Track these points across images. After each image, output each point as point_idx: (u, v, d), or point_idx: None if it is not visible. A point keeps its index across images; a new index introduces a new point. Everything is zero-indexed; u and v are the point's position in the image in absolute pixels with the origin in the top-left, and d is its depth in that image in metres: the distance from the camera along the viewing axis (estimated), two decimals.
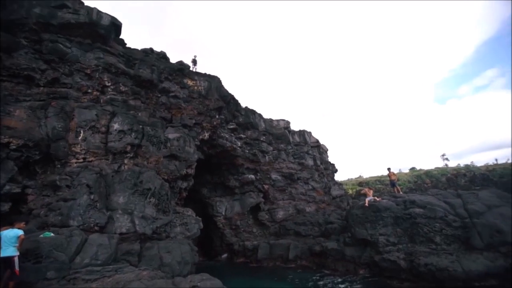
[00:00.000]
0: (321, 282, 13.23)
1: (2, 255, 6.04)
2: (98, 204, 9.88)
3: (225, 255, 20.79)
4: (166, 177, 13.18)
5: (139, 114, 13.72)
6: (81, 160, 11.08)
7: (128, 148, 12.19)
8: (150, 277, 7.79)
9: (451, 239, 12.75)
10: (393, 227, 13.87)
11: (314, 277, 13.99)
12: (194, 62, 19.89)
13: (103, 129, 11.95)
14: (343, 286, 12.85)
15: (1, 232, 6.32)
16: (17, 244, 6.27)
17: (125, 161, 12.11)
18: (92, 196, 9.81)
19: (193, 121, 16.26)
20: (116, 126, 12.16)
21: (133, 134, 12.46)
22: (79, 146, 11.16)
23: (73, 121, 11.29)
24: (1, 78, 10.16)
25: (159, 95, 15.44)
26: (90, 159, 11.28)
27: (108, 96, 13.00)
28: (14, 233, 6.34)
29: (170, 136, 14.19)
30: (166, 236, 11.53)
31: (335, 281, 13.43)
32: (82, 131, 11.38)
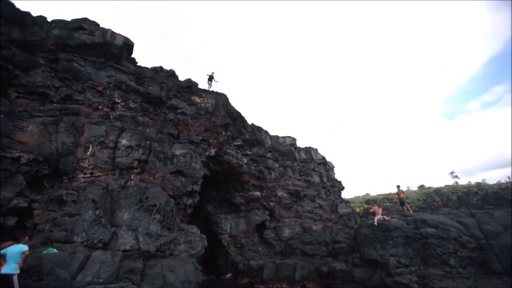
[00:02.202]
0: None
1: (2, 272, 5.91)
2: (102, 220, 9.82)
3: (229, 275, 20.14)
4: (171, 193, 13.12)
5: (147, 130, 13.94)
6: (88, 175, 11.17)
7: (135, 163, 12.28)
8: None
9: (466, 261, 12.15)
10: (404, 248, 13.34)
11: None
12: (211, 78, 20.41)
13: (111, 144, 12.12)
14: None
15: (7, 248, 6.24)
16: (19, 261, 6.14)
17: (132, 176, 12.16)
18: (97, 212, 9.77)
19: (200, 138, 16.40)
20: (124, 141, 12.34)
21: (141, 150, 12.59)
22: (87, 161, 11.29)
23: (82, 137, 11.51)
24: (17, 95, 10.53)
25: (167, 112, 15.73)
26: (97, 174, 11.36)
27: (118, 112, 13.30)
28: (18, 249, 6.23)
29: (177, 152, 14.28)
30: (170, 254, 11.28)
31: None
32: (91, 146, 11.56)
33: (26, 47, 11.20)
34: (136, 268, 9.41)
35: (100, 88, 12.93)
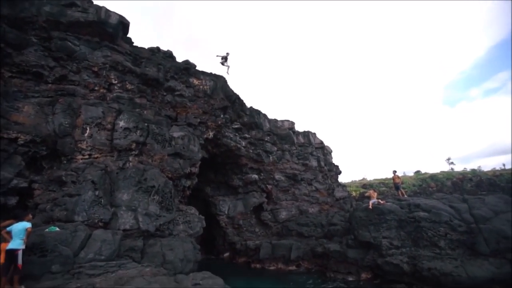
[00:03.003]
0: (324, 286, 13.15)
1: (8, 247, 6.16)
2: (102, 200, 10.00)
3: (227, 254, 20.84)
4: (170, 175, 13.26)
5: (145, 112, 13.84)
6: (87, 157, 11.22)
7: (133, 145, 12.30)
8: (152, 274, 7.84)
9: (456, 244, 12.59)
10: (397, 231, 13.75)
11: (317, 282, 13.88)
12: (225, 59, 19.77)
13: (109, 126, 12.07)
14: None
15: (13, 225, 6.46)
16: (24, 237, 6.38)
17: (130, 158, 12.23)
18: (97, 192, 9.93)
19: (198, 120, 16.34)
20: (121, 123, 12.29)
21: (138, 132, 12.57)
22: (85, 142, 11.30)
23: (79, 118, 11.44)
24: (11, 75, 10.34)
25: (165, 94, 15.55)
26: (96, 156, 11.42)
27: (115, 94, 13.14)
28: (22, 225, 6.48)
29: (175, 134, 14.27)
30: (169, 234, 11.60)
31: (338, 285, 13.36)
32: (88, 128, 11.52)
33: (16, 24, 10.85)
34: (136, 247, 9.71)
35: (95, 69, 12.69)
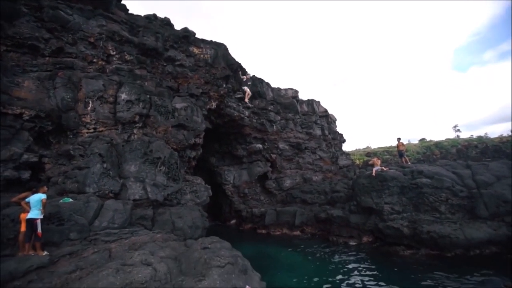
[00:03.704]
0: (327, 250, 13.84)
1: (27, 217, 6.57)
2: (111, 172, 10.30)
3: (233, 221, 21.85)
4: (175, 146, 13.44)
5: (146, 83, 13.61)
6: (92, 130, 11.33)
7: (137, 118, 12.32)
8: (163, 240, 8.34)
9: (456, 208, 12.90)
10: (399, 196, 14.07)
11: (321, 246, 14.57)
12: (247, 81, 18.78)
13: (111, 99, 11.99)
14: (348, 253, 13.41)
15: (30, 197, 6.82)
16: (41, 208, 6.73)
17: (134, 131, 12.32)
18: (104, 165, 10.20)
19: (200, 90, 16.07)
20: (123, 96, 12.18)
21: (141, 104, 12.49)
22: (89, 116, 11.33)
23: (81, 92, 11.34)
24: (6, 48, 10.08)
25: (165, 64, 15.14)
26: (101, 129, 11.52)
27: (114, 66, 12.84)
28: (38, 197, 6.83)
29: (178, 105, 14.17)
30: (177, 203, 12.08)
31: (341, 249, 14.04)
32: (90, 102, 11.48)
33: None
34: (147, 215, 10.20)
35: (92, 40, 12.26)
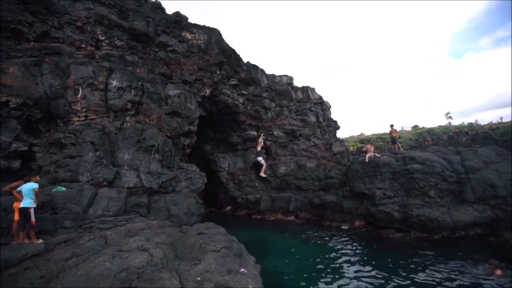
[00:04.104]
0: (321, 234, 14.17)
1: (20, 206, 6.53)
2: (104, 161, 10.22)
3: (229, 207, 22.13)
4: (168, 134, 13.34)
5: (137, 70, 13.30)
6: (83, 118, 11.12)
7: (129, 105, 12.11)
8: (159, 226, 8.43)
9: (444, 193, 13.30)
10: (391, 182, 14.38)
11: (314, 230, 14.89)
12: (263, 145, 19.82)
13: (102, 86, 11.72)
14: (340, 237, 13.79)
15: (22, 186, 6.75)
16: (33, 197, 6.69)
17: (127, 118, 12.14)
18: (97, 153, 10.09)
19: (194, 77, 15.81)
20: (114, 83, 11.91)
21: (133, 91, 12.25)
22: (79, 104, 11.09)
23: (69, 78, 11.03)
24: None
25: (157, 50, 14.76)
26: (92, 117, 11.31)
27: (104, 51, 12.46)
28: (30, 186, 6.76)
29: (171, 92, 13.95)
30: (172, 190, 12.13)
31: (334, 233, 14.40)
32: (80, 89, 11.20)
33: None
34: (142, 203, 10.25)
35: (79, 24, 11.81)
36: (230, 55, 18.68)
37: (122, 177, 10.44)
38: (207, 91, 16.84)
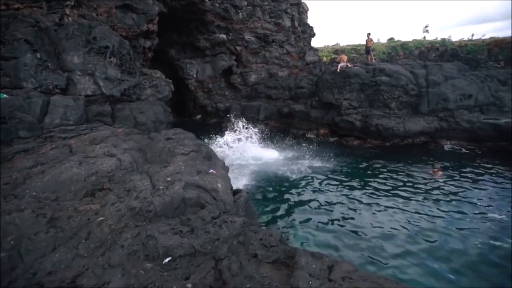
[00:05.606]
0: (288, 141, 15.00)
1: None
2: (49, 64, 8.81)
3: (199, 116, 22.10)
4: (124, 34, 11.48)
5: None
6: (4, 7, 8.81)
7: None
8: (126, 133, 8.21)
9: (404, 105, 14.29)
10: (358, 93, 14.87)
11: (282, 137, 15.68)
12: None
13: None
14: (306, 143, 14.71)
15: None
16: None
17: (67, 11, 9.88)
18: (38, 55, 8.54)
19: None
20: None
21: None
22: None
23: None
24: None
25: None
26: (16, 6, 9.00)
27: None
28: None
29: None
30: (136, 98, 11.39)
31: (300, 141, 15.28)
32: None
33: None
34: (104, 111, 9.65)
35: None
36: None
37: (77, 84, 9.35)
38: None
